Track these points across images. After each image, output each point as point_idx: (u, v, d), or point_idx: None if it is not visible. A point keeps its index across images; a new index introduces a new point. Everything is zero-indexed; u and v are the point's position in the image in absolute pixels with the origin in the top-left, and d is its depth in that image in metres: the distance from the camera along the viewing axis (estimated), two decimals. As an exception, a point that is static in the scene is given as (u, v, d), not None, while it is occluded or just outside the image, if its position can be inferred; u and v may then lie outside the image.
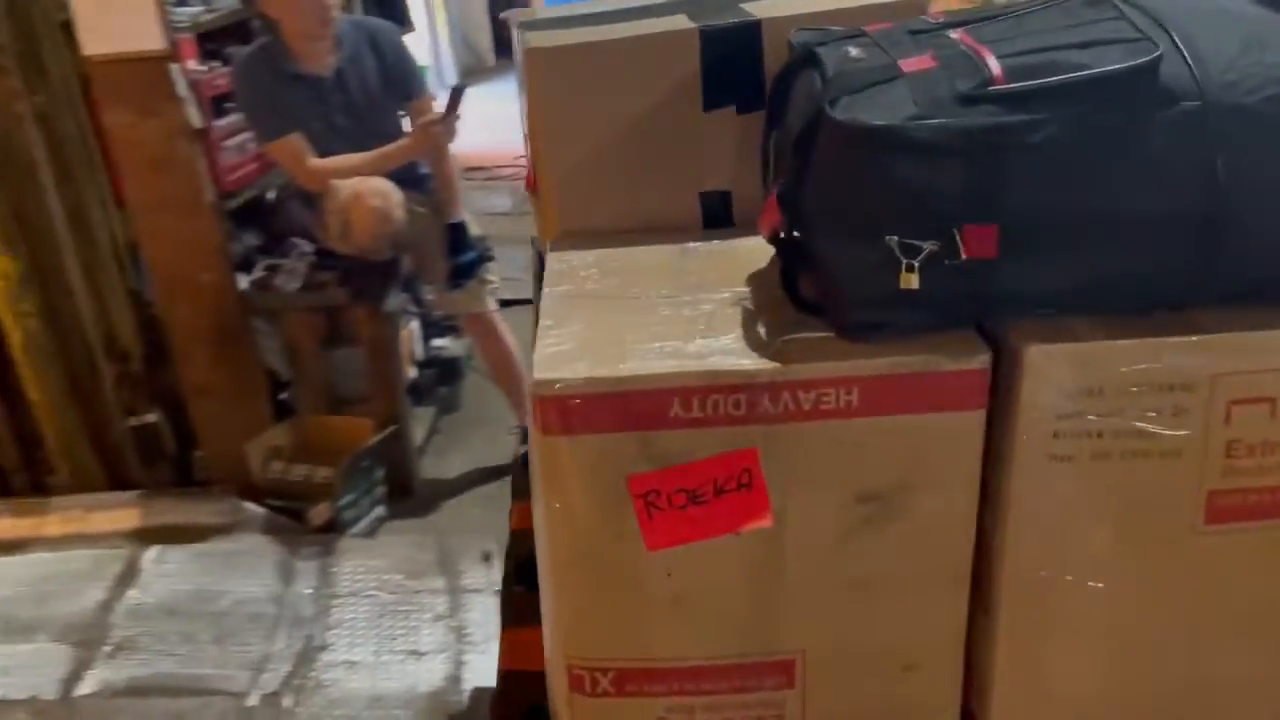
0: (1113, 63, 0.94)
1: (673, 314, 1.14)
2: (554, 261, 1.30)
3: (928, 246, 0.97)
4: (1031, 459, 1.05)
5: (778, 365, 1.02)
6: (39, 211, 3.32)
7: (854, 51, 1.04)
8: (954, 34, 1.04)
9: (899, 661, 1.16)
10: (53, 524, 3.51)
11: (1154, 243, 0.98)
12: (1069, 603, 1.12)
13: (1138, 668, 1.16)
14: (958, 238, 0.97)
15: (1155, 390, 1.02)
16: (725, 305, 1.15)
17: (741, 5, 1.38)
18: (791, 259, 1.11)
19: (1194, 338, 1.01)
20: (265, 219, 3.86)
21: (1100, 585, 1.11)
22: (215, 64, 3.51)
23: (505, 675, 1.58)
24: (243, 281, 3.52)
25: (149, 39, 3.06)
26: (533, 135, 1.41)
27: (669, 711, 1.18)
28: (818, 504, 1.08)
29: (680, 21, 1.33)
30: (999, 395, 1.05)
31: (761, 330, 1.09)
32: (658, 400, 1.02)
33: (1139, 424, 1.03)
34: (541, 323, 1.15)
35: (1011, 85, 0.95)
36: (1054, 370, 1.02)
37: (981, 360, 1.02)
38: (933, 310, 1.03)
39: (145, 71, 3.10)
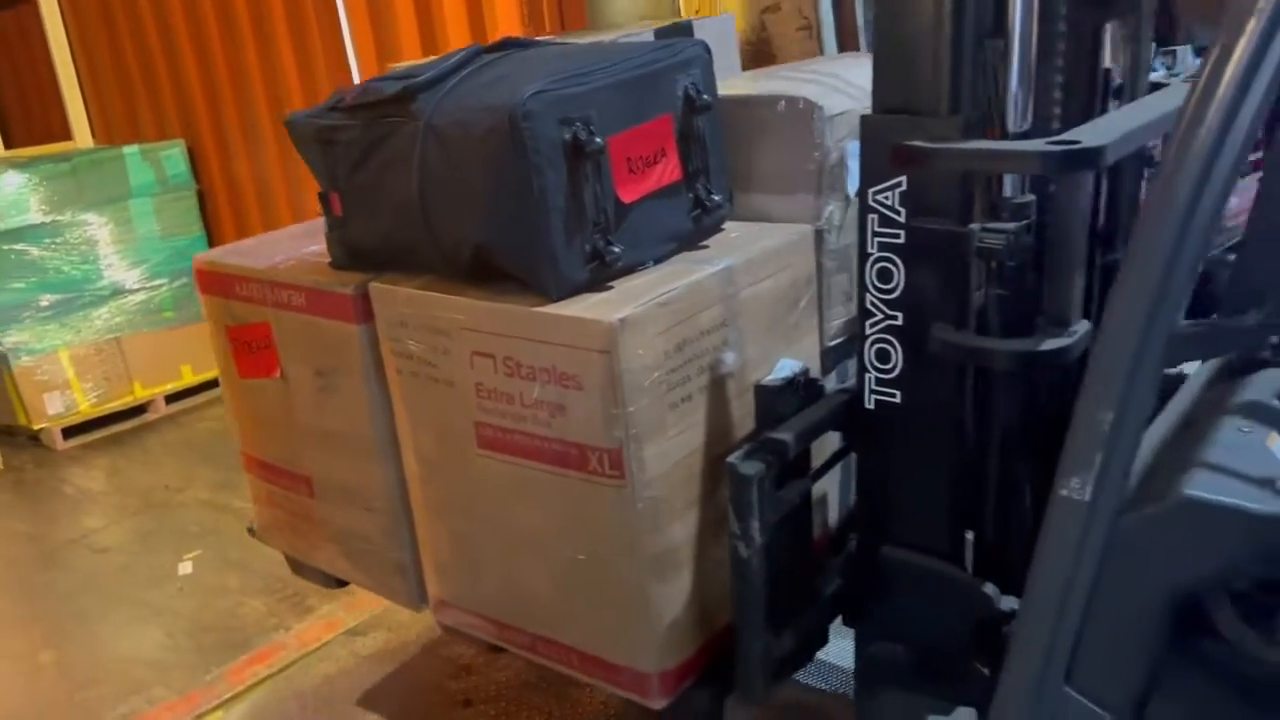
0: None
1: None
2: None
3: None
4: (390, 367, 1.48)
5: (269, 269, 1.60)
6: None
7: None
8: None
9: (362, 503, 1.64)
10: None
11: (404, 220, 1.37)
12: (429, 490, 1.51)
13: (472, 558, 1.49)
14: (330, 200, 1.47)
15: (431, 331, 1.39)
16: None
17: None
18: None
19: (452, 297, 1.36)
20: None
21: (439, 481, 1.48)
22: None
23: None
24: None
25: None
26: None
27: (270, 495, 1.81)
28: (301, 372, 1.63)
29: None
30: (382, 319, 1.50)
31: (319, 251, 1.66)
32: (230, 281, 1.68)
33: (426, 354, 1.41)
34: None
35: (344, 103, 1.42)
36: (386, 302, 1.45)
37: (349, 289, 1.48)
38: (350, 253, 1.51)
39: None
